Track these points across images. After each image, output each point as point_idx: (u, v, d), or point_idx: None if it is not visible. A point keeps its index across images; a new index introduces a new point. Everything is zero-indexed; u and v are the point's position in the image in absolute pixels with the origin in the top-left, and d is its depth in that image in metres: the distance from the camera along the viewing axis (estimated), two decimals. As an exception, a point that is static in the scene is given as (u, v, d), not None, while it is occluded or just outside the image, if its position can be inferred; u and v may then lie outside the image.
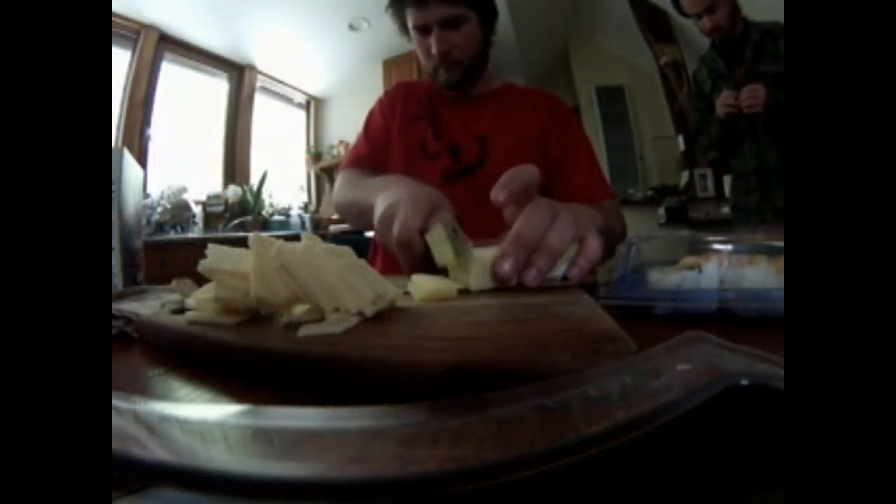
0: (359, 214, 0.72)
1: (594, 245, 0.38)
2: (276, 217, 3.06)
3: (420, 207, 0.44)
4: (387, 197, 0.50)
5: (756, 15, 1.36)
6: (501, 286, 0.36)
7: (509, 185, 0.38)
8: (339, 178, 0.84)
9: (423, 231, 0.42)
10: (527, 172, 0.40)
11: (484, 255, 0.37)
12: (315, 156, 3.60)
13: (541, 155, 0.81)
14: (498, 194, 0.38)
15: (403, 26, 0.81)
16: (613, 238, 0.68)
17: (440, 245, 0.38)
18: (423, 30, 0.77)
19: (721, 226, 2.58)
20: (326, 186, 3.62)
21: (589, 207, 0.44)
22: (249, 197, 2.91)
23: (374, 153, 0.84)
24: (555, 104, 0.87)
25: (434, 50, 0.76)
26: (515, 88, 0.90)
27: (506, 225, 0.42)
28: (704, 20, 1.34)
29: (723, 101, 1.29)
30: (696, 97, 1.50)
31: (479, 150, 0.80)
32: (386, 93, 0.91)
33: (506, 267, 0.34)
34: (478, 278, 0.36)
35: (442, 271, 0.39)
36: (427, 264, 0.42)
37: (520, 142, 0.80)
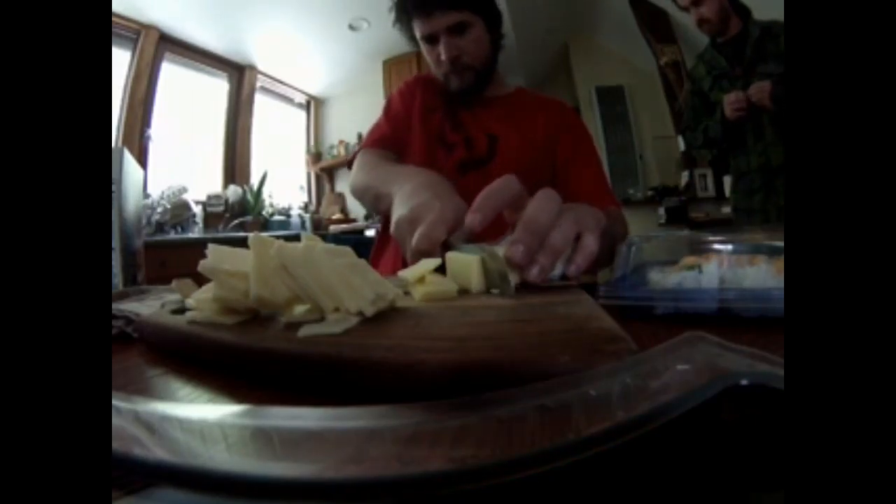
0: (374, 200, 0.73)
1: (591, 242, 0.38)
2: (276, 217, 3.06)
3: (447, 221, 0.43)
4: (407, 195, 0.50)
5: (757, 13, 1.36)
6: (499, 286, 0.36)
7: (482, 209, 0.38)
8: (358, 159, 0.84)
9: (444, 244, 0.42)
10: (503, 190, 0.40)
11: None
12: (315, 156, 3.60)
13: (547, 159, 0.82)
14: (472, 220, 0.38)
15: (413, 38, 0.83)
16: (616, 241, 0.68)
17: (469, 271, 0.37)
18: (432, 39, 0.79)
19: (721, 226, 2.58)
20: (326, 186, 3.63)
21: (593, 208, 0.44)
22: (249, 197, 2.91)
23: (395, 133, 0.85)
24: (566, 112, 0.89)
25: (444, 57, 0.77)
26: (527, 94, 0.91)
27: (508, 224, 0.42)
28: (693, 16, 1.34)
29: (732, 104, 1.28)
30: (692, 95, 1.50)
31: (487, 147, 0.81)
32: (405, 82, 0.91)
33: (518, 253, 0.34)
34: (479, 280, 0.36)
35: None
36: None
37: (527, 144, 0.81)
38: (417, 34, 0.80)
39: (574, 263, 0.37)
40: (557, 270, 0.38)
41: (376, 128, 0.88)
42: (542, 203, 0.37)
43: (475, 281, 0.36)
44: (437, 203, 0.46)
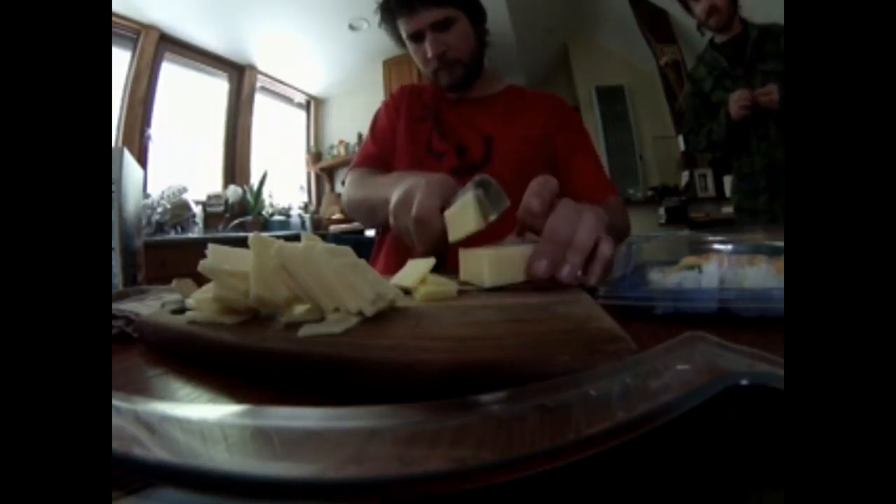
0: (369, 211, 0.74)
1: (606, 249, 0.38)
2: (276, 217, 3.06)
3: (437, 189, 0.46)
4: (402, 186, 0.52)
5: (755, 17, 1.36)
6: (502, 286, 0.36)
7: (541, 192, 0.40)
8: (349, 178, 0.85)
9: (441, 209, 0.44)
10: (552, 183, 0.42)
11: (502, 252, 0.37)
12: (315, 156, 3.60)
13: (544, 155, 0.82)
14: (533, 204, 0.39)
15: (399, 39, 0.84)
16: (618, 235, 0.69)
17: (465, 212, 0.39)
18: (417, 37, 0.79)
19: (721, 226, 2.58)
20: (326, 186, 3.62)
21: (596, 207, 0.44)
22: (249, 197, 2.91)
23: (381, 152, 0.86)
24: (560, 106, 0.88)
25: (430, 53, 0.78)
26: (519, 90, 0.91)
27: (517, 222, 0.42)
28: (702, 4, 1.34)
29: (738, 102, 1.28)
30: (693, 96, 1.49)
31: (483, 149, 0.81)
32: (391, 95, 0.92)
33: (543, 265, 0.35)
34: (491, 274, 0.36)
35: (452, 256, 0.41)
36: (440, 248, 0.44)
37: (524, 142, 0.81)
38: (403, 33, 0.81)
39: (593, 274, 0.37)
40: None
41: (364, 146, 0.90)
42: (562, 213, 0.38)
43: (486, 271, 0.37)
44: (424, 180, 0.49)
